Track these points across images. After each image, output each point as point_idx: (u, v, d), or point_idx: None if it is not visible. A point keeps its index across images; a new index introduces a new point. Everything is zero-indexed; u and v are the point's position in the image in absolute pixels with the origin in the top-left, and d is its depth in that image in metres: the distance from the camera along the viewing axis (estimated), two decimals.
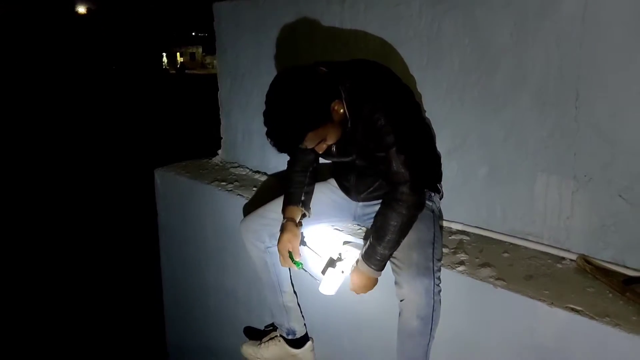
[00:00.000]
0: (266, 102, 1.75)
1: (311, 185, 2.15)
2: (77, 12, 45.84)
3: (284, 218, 2.07)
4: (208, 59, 55.58)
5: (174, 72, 48.07)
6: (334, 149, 1.91)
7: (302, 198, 2.10)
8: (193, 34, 59.54)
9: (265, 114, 1.73)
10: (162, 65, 51.54)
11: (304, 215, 2.11)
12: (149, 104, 20.14)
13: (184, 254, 3.36)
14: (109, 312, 4.87)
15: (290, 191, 2.11)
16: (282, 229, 2.05)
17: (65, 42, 39.35)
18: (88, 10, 46.20)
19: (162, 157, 4.12)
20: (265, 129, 1.75)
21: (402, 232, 1.78)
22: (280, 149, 1.79)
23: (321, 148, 1.82)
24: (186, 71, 47.68)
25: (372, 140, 1.75)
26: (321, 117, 1.71)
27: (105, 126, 15.04)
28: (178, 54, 55.70)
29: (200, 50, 57.02)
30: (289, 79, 1.73)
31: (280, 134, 1.71)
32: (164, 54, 53.48)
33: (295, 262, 2.04)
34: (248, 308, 2.83)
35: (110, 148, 11.87)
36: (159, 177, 3.39)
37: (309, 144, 1.77)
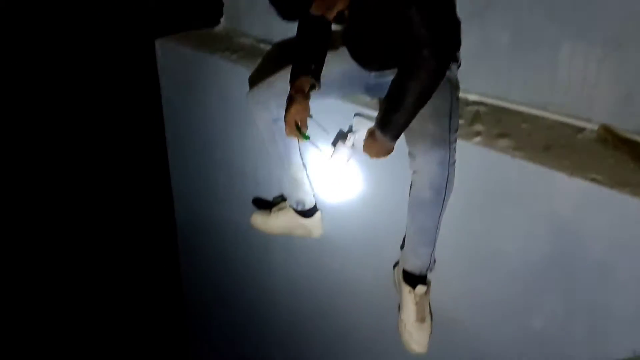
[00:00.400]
0: None
1: (322, 54, 2.01)
2: None
3: (292, 89, 1.96)
4: None
5: None
6: (346, 13, 1.76)
7: (312, 68, 1.98)
8: None
9: None
10: None
11: (313, 87, 1.99)
12: None
13: (190, 129, 3.30)
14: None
15: (300, 61, 1.97)
16: (290, 101, 1.95)
17: None
18: None
19: (161, 26, 3.90)
20: None
21: (421, 100, 1.68)
22: (285, 16, 1.65)
23: (331, 14, 1.66)
24: None
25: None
26: None
27: None
28: None
29: None
30: None
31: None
32: None
33: (302, 135, 1.97)
34: (256, 181, 2.82)
35: (102, 16, 11.28)
36: (160, 48, 3.24)
37: (316, 9, 1.62)
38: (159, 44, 3.25)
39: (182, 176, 3.57)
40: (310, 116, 2.02)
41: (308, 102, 1.95)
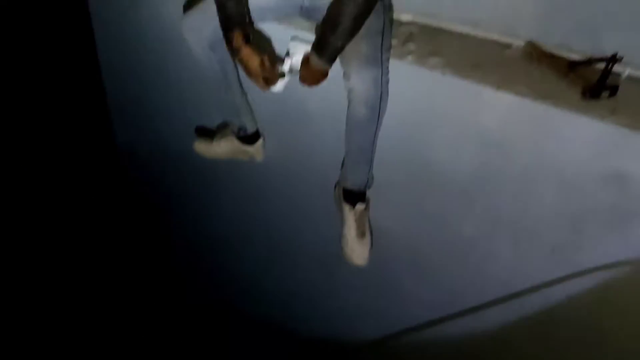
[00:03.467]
0: None
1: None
2: None
3: (236, 47, 1.87)
4: None
5: None
6: None
7: (247, 18, 1.90)
8: None
9: None
10: None
11: (247, 36, 1.89)
12: None
13: (124, 59, 3.21)
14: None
15: (229, 11, 1.88)
16: (243, 59, 1.87)
17: None
18: None
19: None
20: None
21: (357, 22, 1.69)
22: None
23: None
24: None
25: None
26: None
27: None
28: None
29: None
30: None
31: None
32: None
33: (278, 76, 1.93)
34: (197, 109, 2.80)
35: None
36: None
37: None
38: None
39: (121, 105, 3.50)
40: (265, 55, 1.93)
41: (254, 50, 1.87)
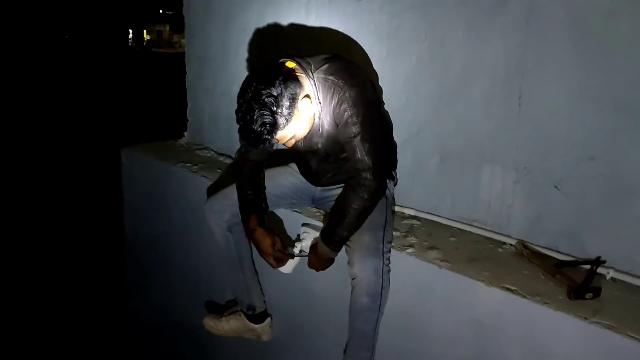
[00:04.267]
0: (238, 102, 1.80)
1: (262, 188, 2.19)
2: None
3: (250, 228, 2.09)
4: (175, 38, 54.61)
5: (139, 49, 47.12)
6: (301, 141, 1.99)
7: (263, 204, 2.15)
8: (160, 11, 58.55)
9: (237, 113, 1.79)
10: (128, 42, 50.48)
11: (263, 220, 2.12)
12: (113, 81, 19.65)
13: (148, 232, 3.45)
14: (69, 284, 4.87)
15: (249, 199, 2.13)
16: (256, 239, 2.07)
17: (27, 14, 37.80)
18: None
19: (127, 138, 4.15)
20: (235, 117, 1.81)
21: (362, 217, 1.91)
22: (251, 146, 1.86)
23: (290, 143, 1.90)
24: (152, 49, 46.81)
25: (338, 130, 1.87)
26: (290, 117, 1.79)
27: (67, 102, 14.66)
28: (145, 31, 54.60)
29: (167, 28, 55.90)
30: (258, 80, 1.77)
31: (252, 133, 1.77)
32: (130, 31, 52.39)
33: (288, 256, 2.10)
34: (210, 285, 2.94)
35: (73, 125, 11.63)
36: (125, 156, 3.45)
37: (279, 141, 1.86)
38: (124, 153, 3.46)
39: (139, 276, 3.66)
40: (277, 237, 2.12)
41: (267, 232, 2.08)
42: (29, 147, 9.63)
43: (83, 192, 7.14)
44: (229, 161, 3.15)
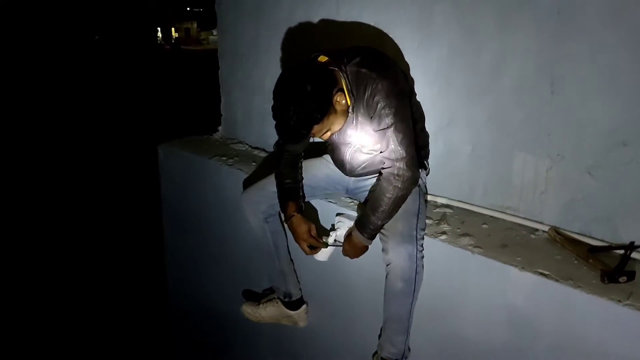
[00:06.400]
0: (274, 99, 1.87)
1: (300, 178, 2.27)
2: None
3: (285, 216, 2.20)
4: (203, 35, 55.15)
5: (168, 47, 47.64)
6: (336, 134, 2.05)
7: (300, 193, 2.24)
8: (188, 9, 59.10)
9: (273, 110, 1.86)
10: (157, 40, 51.08)
11: (300, 207, 2.22)
12: (145, 79, 19.97)
13: (186, 225, 3.55)
14: (112, 277, 5.03)
15: (287, 187, 2.22)
16: (293, 225, 2.17)
17: (57, 16, 38.40)
18: None
19: (161, 134, 4.25)
20: (268, 112, 1.89)
21: (396, 205, 1.96)
22: (288, 142, 1.99)
23: (325, 136, 1.97)
24: (181, 47, 47.31)
25: (371, 121, 1.92)
26: (325, 111, 1.86)
27: (102, 100, 14.96)
28: (173, 29, 55.18)
29: (195, 25, 56.43)
30: (293, 77, 1.86)
31: (289, 129, 1.85)
32: (159, 29, 53.01)
33: (322, 244, 2.18)
34: (247, 274, 3.02)
35: (108, 123, 11.89)
36: (162, 152, 3.56)
37: (315, 135, 1.93)
38: (161, 148, 3.57)
39: (178, 269, 3.77)
40: (312, 224, 2.22)
41: (303, 220, 2.18)
42: (63, 146, 9.85)
43: (120, 188, 7.31)
44: (263, 154, 3.23)
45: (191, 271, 3.62)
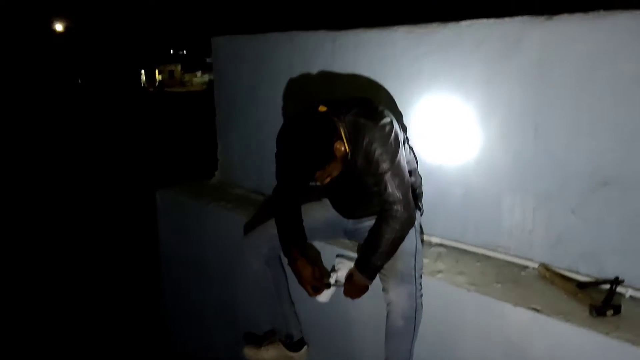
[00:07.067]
0: (279, 147, 2.01)
1: (301, 223, 2.33)
2: (54, 30, 45.55)
3: (289, 260, 2.27)
4: (187, 77, 55.66)
5: (152, 89, 47.90)
6: (334, 178, 2.14)
7: (302, 235, 2.31)
8: (171, 51, 59.77)
9: (278, 157, 2.01)
10: (141, 82, 51.38)
11: (303, 251, 2.29)
12: (128, 121, 19.95)
13: (184, 270, 3.61)
14: (111, 319, 5.00)
15: (288, 230, 2.30)
16: (294, 269, 2.25)
17: (40, 60, 38.62)
18: (65, 28, 45.96)
19: (152, 178, 4.32)
20: (274, 159, 2.02)
21: (395, 246, 2.07)
22: (290, 187, 2.17)
23: (326, 181, 2.07)
24: (165, 89, 47.60)
25: (369, 167, 2.05)
26: (326, 158, 1.98)
27: (87, 144, 14.91)
28: (157, 71, 55.61)
29: (179, 68, 56.95)
30: (297, 126, 2.00)
31: (293, 175, 2.00)
32: (142, 72, 53.38)
33: (325, 286, 2.26)
34: (247, 317, 3.08)
35: (93, 166, 11.87)
36: (160, 197, 3.64)
37: (316, 180, 2.04)
38: (159, 194, 3.66)
39: (177, 314, 3.81)
40: (316, 267, 2.29)
41: (307, 262, 2.25)
42: (51, 194, 9.72)
43: (113, 237, 7.24)
44: (260, 198, 3.33)
45: (191, 317, 3.66)
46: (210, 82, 48.19)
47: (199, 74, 55.76)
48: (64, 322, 4.99)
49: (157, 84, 51.97)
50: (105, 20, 45.80)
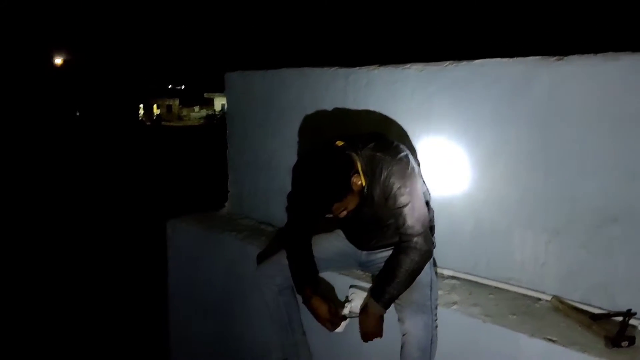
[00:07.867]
0: (297, 182, 2.09)
1: (312, 259, 2.40)
2: (53, 63, 45.99)
3: (306, 297, 2.31)
4: (184, 111, 56.16)
5: (149, 123, 48.19)
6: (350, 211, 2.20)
7: (314, 271, 2.38)
8: (169, 86, 60.45)
9: (295, 191, 2.09)
10: (139, 116, 51.69)
11: (316, 289, 2.34)
12: (125, 154, 20.04)
13: (194, 301, 3.62)
14: (119, 351, 4.96)
15: (301, 267, 2.35)
16: (310, 306, 2.30)
17: (39, 92, 38.89)
18: (64, 61, 46.40)
19: (155, 210, 4.34)
20: (293, 194, 2.08)
21: (412, 277, 2.11)
22: (308, 220, 2.25)
23: (342, 214, 2.13)
24: (163, 123, 47.90)
25: (387, 200, 2.11)
26: (343, 192, 2.05)
27: (81, 177, 14.92)
28: (155, 105, 56.03)
29: (177, 102, 57.46)
30: (315, 161, 2.06)
31: (309, 209, 2.07)
32: (141, 106, 53.78)
33: (341, 320, 2.30)
34: (257, 348, 3.09)
35: (92, 198, 11.88)
36: (170, 228, 3.68)
37: (333, 213, 2.10)
38: (169, 224, 3.69)
39: (186, 345, 3.79)
40: (331, 302, 2.34)
41: (322, 300, 2.30)
42: (57, 228, 9.65)
43: (120, 270, 7.19)
44: (270, 229, 3.37)
45: (200, 349, 3.65)
46: (207, 117, 48.93)
47: (196, 108, 56.33)
48: (73, 355, 4.95)
49: (154, 117, 52.31)
50: (104, 54, 46.40)
